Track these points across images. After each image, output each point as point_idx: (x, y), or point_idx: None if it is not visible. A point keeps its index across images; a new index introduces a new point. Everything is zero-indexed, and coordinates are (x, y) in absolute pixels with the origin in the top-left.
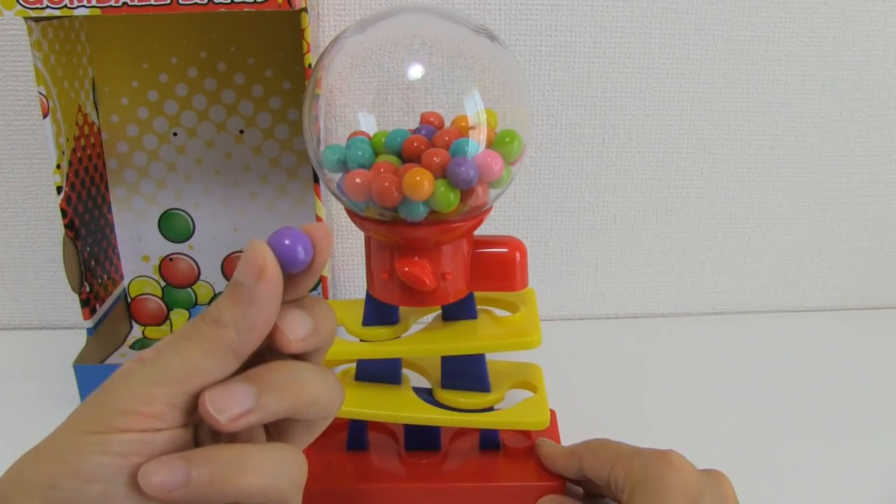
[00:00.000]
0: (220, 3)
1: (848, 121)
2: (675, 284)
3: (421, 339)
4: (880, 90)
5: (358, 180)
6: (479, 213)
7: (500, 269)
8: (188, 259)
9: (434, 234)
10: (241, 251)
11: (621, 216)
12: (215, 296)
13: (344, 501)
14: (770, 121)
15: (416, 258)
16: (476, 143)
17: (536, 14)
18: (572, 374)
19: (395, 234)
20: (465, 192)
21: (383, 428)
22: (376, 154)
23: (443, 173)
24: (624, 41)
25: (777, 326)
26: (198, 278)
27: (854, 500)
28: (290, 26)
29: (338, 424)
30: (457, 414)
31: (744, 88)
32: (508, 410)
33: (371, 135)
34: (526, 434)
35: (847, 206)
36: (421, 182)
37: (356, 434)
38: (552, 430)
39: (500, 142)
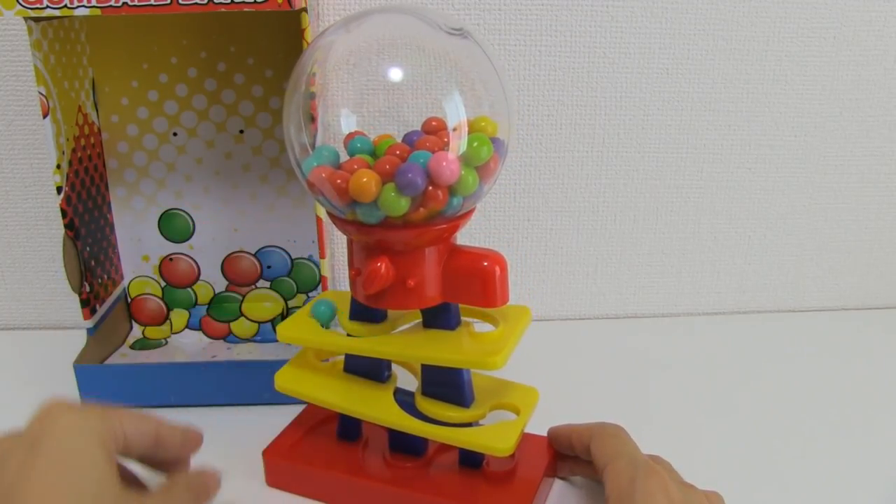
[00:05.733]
0: (220, 3)
1: (848, 121)
2: (675, 284)
3: (391, 342)
4: (880, 90)
5: (323, 175)
6: (452, 220)
7: (479, 282)
8: (188, 259)
9: (399, 236)
10: (241, 251)
11: (621, 216)
12: (215, 296)
13: (325, 486)
14: (770, 121)
15: (378, 261)
16: (433, 150)
17: (536, 14)
18: (572, 374)
19: (350, 230)
20: (425, 196)
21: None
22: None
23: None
24: (624, 41)
25: (777, 326)
26: (198, 278)
27: (854, 500)
28: (290, 26)
29: (333, 413)
30: (426, 424)
31: (744, 88)
32: (475, 429)
33: (345, 134)
34: (511, 457)
35: (847, 206)
36: (368, 184)
37: (346, 424)
38: (541, 463)
39: (468, 146)
